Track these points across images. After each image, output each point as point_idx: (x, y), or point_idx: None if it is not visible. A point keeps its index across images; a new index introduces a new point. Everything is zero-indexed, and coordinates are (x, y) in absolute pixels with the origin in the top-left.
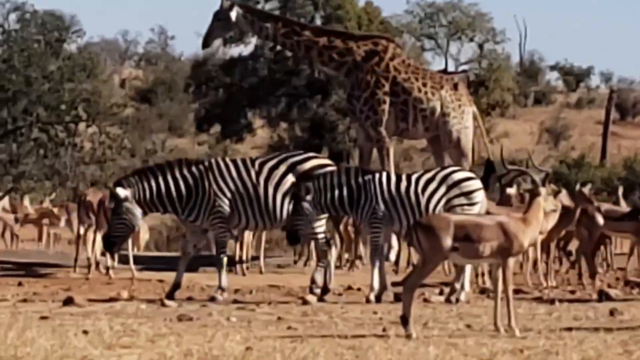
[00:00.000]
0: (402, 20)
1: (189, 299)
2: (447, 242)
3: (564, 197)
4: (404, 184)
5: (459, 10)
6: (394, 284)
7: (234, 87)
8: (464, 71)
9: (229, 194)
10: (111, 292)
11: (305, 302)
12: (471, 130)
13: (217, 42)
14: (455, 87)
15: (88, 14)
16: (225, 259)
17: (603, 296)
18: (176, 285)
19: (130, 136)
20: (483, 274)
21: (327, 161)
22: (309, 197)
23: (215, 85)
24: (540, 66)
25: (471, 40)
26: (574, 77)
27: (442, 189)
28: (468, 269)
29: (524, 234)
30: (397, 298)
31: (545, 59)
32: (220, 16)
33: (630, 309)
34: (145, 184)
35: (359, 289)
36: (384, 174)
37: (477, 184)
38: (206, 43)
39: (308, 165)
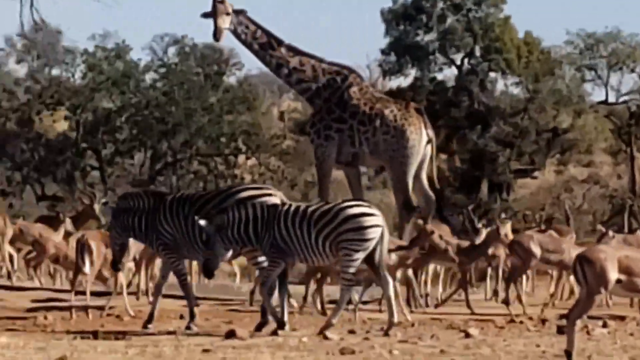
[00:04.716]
0: (561, 51)
1: (351, 332)
2: (613, 274)
3: None
4: (299, 216)
5: (619, 41)
6: (561, 317)
7: None
8: (624, 102)
9: (168, 228)
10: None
11: (467, 335)
12: (414, 152)
13: (376, 74)
14: (407, 109)
15: None
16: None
17: None
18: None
19: (290, 168)
20: None
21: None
22: (211, 231)
23: None
24: None
25: (632, 71)
26: None
27: (334, 224)
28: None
29: None
30: (560, 331)
31: None
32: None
33: None
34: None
35: (521, 322)
36: (286, 206)
37: (372, 220)
38: (217, 37)
39: (245, 194)
